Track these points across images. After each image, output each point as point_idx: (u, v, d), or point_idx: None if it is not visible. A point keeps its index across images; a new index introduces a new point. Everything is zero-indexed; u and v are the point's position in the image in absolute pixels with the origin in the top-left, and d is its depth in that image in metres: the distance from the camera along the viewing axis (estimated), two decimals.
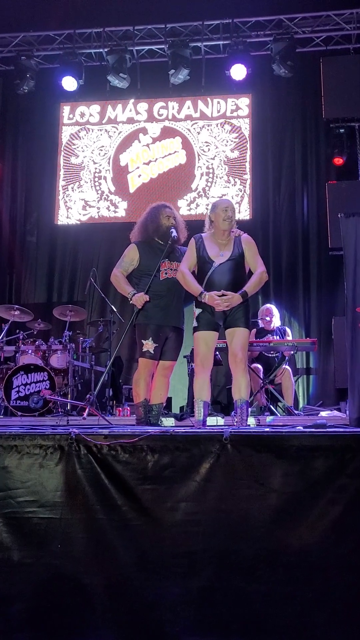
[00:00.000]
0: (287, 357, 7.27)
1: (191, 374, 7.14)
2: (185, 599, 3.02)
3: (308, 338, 8.35)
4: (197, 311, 4.64)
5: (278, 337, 7.37)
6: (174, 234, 4.93)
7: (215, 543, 3.07)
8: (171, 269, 4.93)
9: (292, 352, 7.25)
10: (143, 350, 4.84)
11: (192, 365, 7.03)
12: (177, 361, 5.08)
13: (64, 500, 3.20)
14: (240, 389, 4.57)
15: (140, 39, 9.44)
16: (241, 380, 4.57)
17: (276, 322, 7.55)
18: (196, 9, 9.15)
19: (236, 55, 9.01)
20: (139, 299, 4.81)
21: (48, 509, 3.20)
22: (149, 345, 4.81)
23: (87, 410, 5.02)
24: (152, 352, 4.82)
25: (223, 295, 4.50)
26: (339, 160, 9.00)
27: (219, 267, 4.63)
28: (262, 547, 3.04)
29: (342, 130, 8.92)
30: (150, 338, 4.82)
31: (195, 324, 4.65)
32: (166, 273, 4.91)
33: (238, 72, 9.02)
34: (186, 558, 3.07)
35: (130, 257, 5.03)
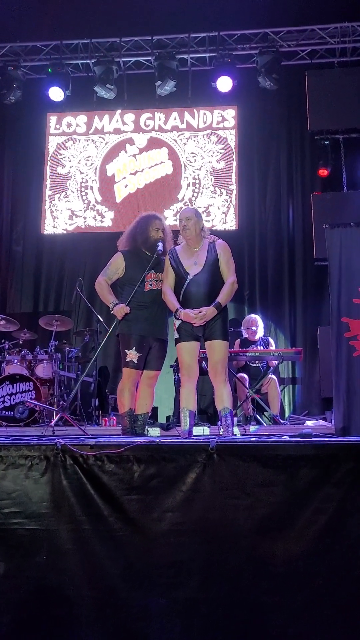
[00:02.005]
0: (272, 367, 7.29)
1: (177, 384, 7.14)
2: (172, 610, 3.02)
3: (294, 348, 8.38)
4: (177, 322, 4.68)
5: (262, 348, 7.40)
6: (160, 247, 4.93)
7: (201, 553, 3.07)
8: (156, 280, 4.92)
9: (277, 362, 7.27)
10: (127, 360, 4.83)
11: (178, 375, 7.04)
12: (161, 371, 5.08)
13: (49, 511, 3.20)
14: (222, 399, 4.58)
15: (127, 50, 9.49)
16: (222, 390, 4.59)
17: (260, 332, 7.57)
18: (182, 22, 9.21)
19: (222, 68, 9.08)
20: (120, 310, 4.80)
21: (34, 520, 3.19)
22: (132, 355, 4.81)
23: (58, 415, 4.94)
24: (136, 362, 4.81)
25: (199, 312, 4.51)
26: (323, 172, 9.08)
27: (193, 278, 4.66)
28: (249, 556, 3.05)
29: (326, 142, 9.00)
30: (134, 348, 4.81)
31: (176, 335, 4.69)
32: (151, 284, 4.90)
33: (224, 84, 9.09)
34: (172, 568, 3.07)
35: (116, 265, 5.03)
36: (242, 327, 7.60)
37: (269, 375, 7.21)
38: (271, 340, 7.73)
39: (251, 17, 9.16)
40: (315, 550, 3.02)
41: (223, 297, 4.60)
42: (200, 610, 3.02)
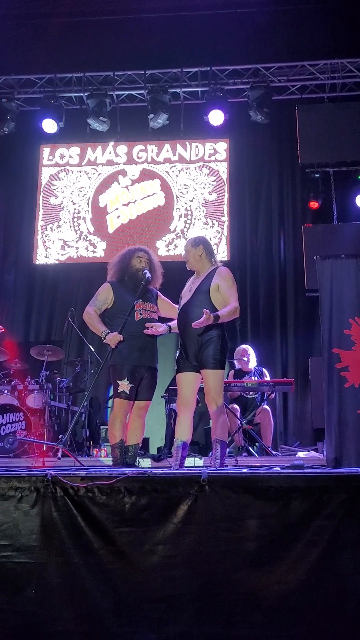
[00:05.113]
0: (266, 397, 7.24)
1: (168, 415, 7.10)
2: None
3: (285, 378, 8.36)
4: (177, 353, 4.68)
5: (256, 378, 7.37)
6: (148, 275, 4.96)
7: (193, 587, 3.03)
8: (145, 310, 4.94)
9: (273, 395, 7.23)
10: (119, 391, 4.82)
11: (169, 406, 7.01)
12: (152, 401, 5.06)
13: (39, 544, 3.15)
14: (214, 430, 4.56)
15: (120, 84, 9.61)
16: (215, 421, 4.55)
17: (253, 362, 7.55)
18: (175, 57, 9.38)
19: (214, 102, 9.20)
20: (113, 338, 4.80)
21: (23, 553, 3.14)
22: (124, 385, 4.79)
23: (60, 451, 4.96)
24: (128, 392, 4.80)
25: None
26: (314, 204, 9.18)
27: (183, 306, 4.69)
28: (241, 590, 3.00)
29: (317, 175, 9.12)
30: (126, 378, 4.80)
31: (175, 366, 4.70)
32: (141, 314, 4.92)
33: (216, 117, 9.20)
34: (163, 602, 3.02)
35: (104, 295, 5.04)
36: (234, 358, 7.58)
37: (262, 406, 7.18)
38: (265, 371, 7.69)
39: (243, 53, 9.37)
40: (308, 583, 2.99)
41: (224, 312, 4.46)
42: None
